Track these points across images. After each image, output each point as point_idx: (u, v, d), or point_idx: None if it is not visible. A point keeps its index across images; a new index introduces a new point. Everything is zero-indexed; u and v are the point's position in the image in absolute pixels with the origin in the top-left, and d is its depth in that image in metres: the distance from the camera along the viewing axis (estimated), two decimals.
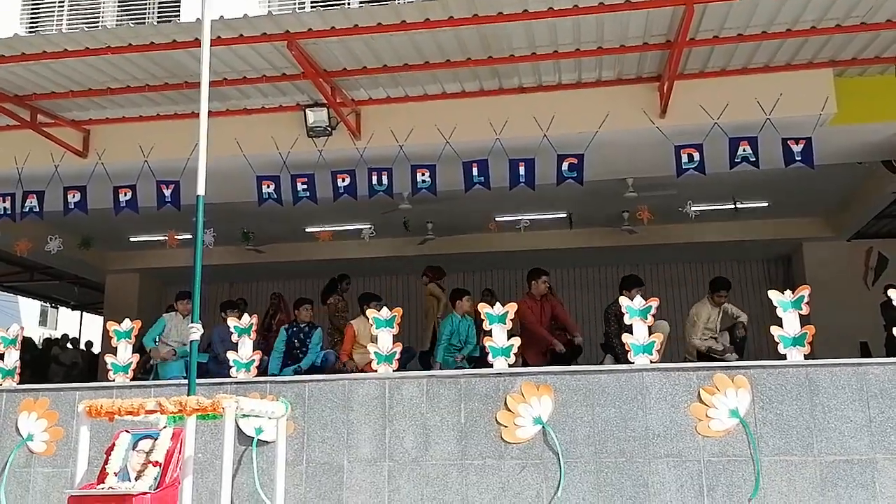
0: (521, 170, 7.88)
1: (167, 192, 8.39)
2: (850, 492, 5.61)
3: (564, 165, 7.82)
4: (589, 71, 7.66)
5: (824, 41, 7.08)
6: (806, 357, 6.01)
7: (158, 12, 10.22)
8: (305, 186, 8.28)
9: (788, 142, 7.53)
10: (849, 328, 11.37)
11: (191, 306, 8.38)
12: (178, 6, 10.01)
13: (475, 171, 7.96)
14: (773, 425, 5.81)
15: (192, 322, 4.98)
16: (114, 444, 4.96)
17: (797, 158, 7.51)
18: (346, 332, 8.82)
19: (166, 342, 9.01)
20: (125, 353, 7.00)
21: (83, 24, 10.15)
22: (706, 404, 5.91)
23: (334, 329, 10.13)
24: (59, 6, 10.64)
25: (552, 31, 6.79)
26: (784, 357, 6.05)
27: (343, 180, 8.21)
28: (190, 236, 10.94)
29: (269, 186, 8.34)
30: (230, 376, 6.71)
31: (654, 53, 7.28)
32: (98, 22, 10.30)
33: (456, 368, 7.87)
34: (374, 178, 8.17)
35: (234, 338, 6.90)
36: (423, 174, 8.09)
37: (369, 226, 11.10)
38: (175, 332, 8.98)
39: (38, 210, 8.76)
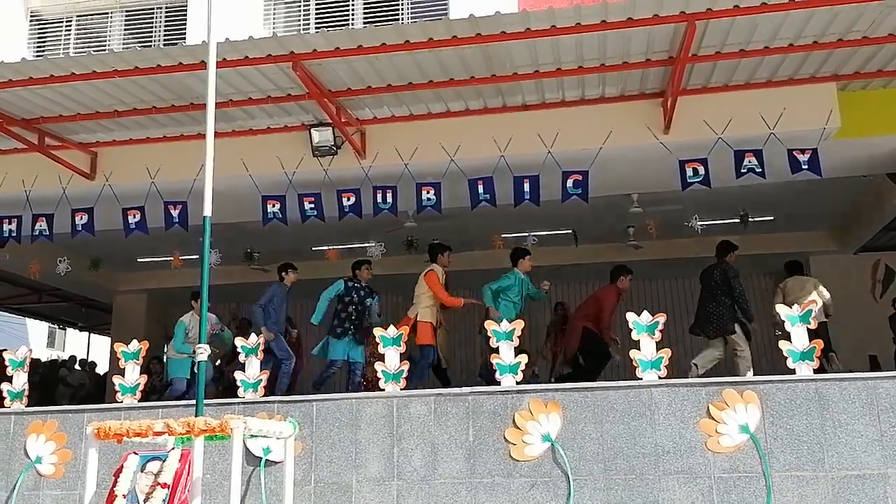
0: (526, 186, 7.89)
1: (175, 213, 8.43)
2: None
3: (569, 182, 7.83)
4: (592, 88, 7.69)
5: (827, 55, 7.10)
6: (815, 371, 5.99)
7: (165, 35, 10.31)
8: (313, 206, 8.32)
9: (794, 152, 7.53)
10: (857, 342, 11.31)
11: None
12: (185, 29, 10.10)
13: (481, 189, 7.98)
14: (783, 440, 5.78)
15: (199, 343, 4.98)
16: (122, 466, 4.95)
17: (804, 167, 7.50)
18: (429, 277, 8.73)
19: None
20: (133, 375, 7.01)
21: (90, 47, 10.26)
22: (716, 420, 5.89)
23: None
24: (66, 30, 10.76)
25: (555, 49, 6.82)
26: (793, 372, 6.03)
27: (348, 199, 8.24)
28: (196, 256, 10.98)
29: (273, 206, 8.38)
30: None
31: (656, 69, 7.31)
32: (105, 45, 10.41)
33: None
34: (379, 197, 8.20)
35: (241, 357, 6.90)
36: (428, 192, 8.12)
37: (379, 243, 11.10)
38: (193, 331, 8.94)
39: (47, 233, 8.81)
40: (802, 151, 7.51)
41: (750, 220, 10.86)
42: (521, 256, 8.87)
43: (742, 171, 7.57)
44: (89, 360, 18.88)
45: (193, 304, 9.26)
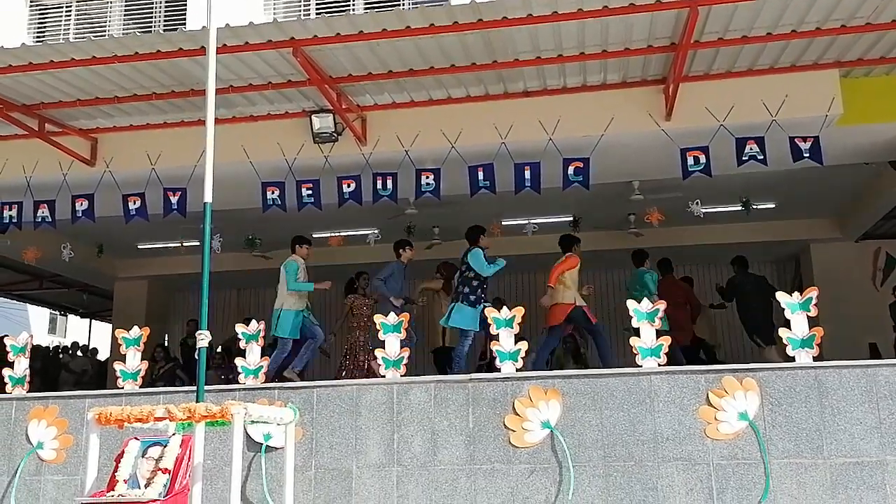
0: (527, 173, 7.88)
1: (174, 200, 8.42)
2: (860, 494, 5.59)
3: (570, 169, 7.81)
4: (594, 74, 7.66)
5: (829, 42, 7.07)
6: (815, 359, 5.99)
7: (164, 21, 10.26)
8: (310, 192, 8.30)
9: (796, 139, 7.51)
10: (857, 329, 11.31)
11: (309, 251, 8.66)
12: (185, 14, 10.05)
13: (481, 176, 7.97)
14: (782, 428, 5.80)
15: (199, 329, 4.99)
16: (123, 452, 4.98)
17: (805, 155, 7.48)
18: (570, 262, 8.67)
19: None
20: (134, 361, 7.03)
21: (90, 33, 10.22)
22: (715, 407, 5.90)
23: (351, 328, 10.11)
24: (66, 15, 10.71)
25: (556, 35, 6.79)
26: (793, 359, 6.03)
27: (348, 186, 8.23)
28: (197, 243, 10.98)
29: (273, 192, 8.37)
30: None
31: (658, 56, 7.28)
32: (105, 31, 10.36)
33: None
34: (379, 183, 8.19)
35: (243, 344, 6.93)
36: (427, 177, 8.10)
37: (375, 231, 11.10)
38: (304, 274, 8.90)
39: (50, 220, 8.82)
40: (804, 139, 7.49)
41: (753, 206, 10.85)
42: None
43: (744, 158, 7.55)
44: (90, 346, 18.93)
45: (298, 247, 9.08)
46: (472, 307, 8.17)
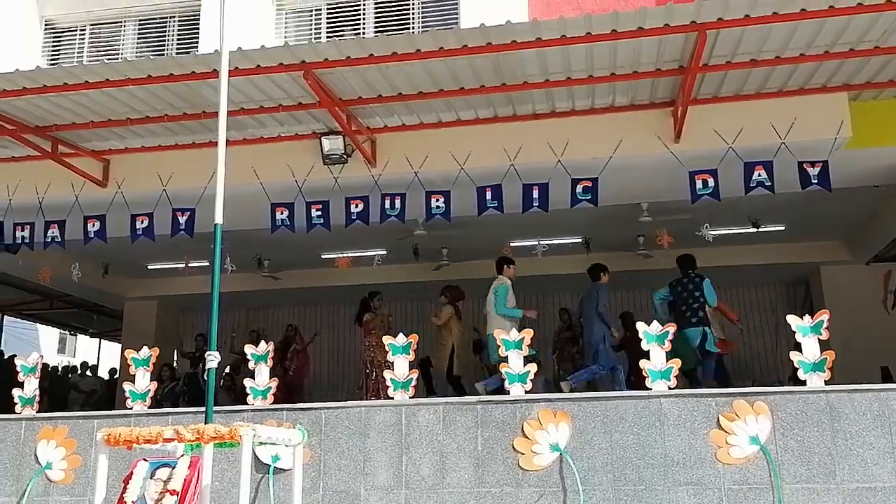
0: (535, 193, 7.90)
1: (182, 220, 8.46)
2: None
3: (579, 188, 7.83)
4: (602, 97, 7.69)
5: (838, 65, 7.08)
6: (826, 383, 5.95)
7: (177, 44, 10.39)
8: (319, 213, 8.33)
9: (804, 165, 7.51)
10: (869, 352, 11.23)
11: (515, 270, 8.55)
12: (197, 38, 10.17)
13: (489, 196, 7.99)
14: (794, 452, 5.74)
15: (209, 350, 4.99)
16: (131, 473, 4.96)
17: (814, 182, 7.48)
18: None
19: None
20: (143, 381, 7.03)
21: (103, 56, 10.35)
22: (726, 431, 5.86)
23: (368, 347, 10.12)
24: (80, 39, 10.85)
25: (565, 59, 6.83)
26: (804, 383, 5.99)
27: (356, 206, 8.26)
28: (207, 263, 11.02)
29: (282, 213, 8.40)
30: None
31: (667, 79, 7.31)
32: (118, 54, 10.49)
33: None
34: (388, 203, 8.21)
35: (251, 365, 6.93)
36: (437, 200, 8.13)
37: (382, 252, 11.12)
38: (512, 297, 8.88)
39: (59, 240, 8.87)
40: (813, 164, 7.48)
41: (762, 228, 10.83)
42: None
43: (751, 185, 7.54)
44: (109, 367, 18.96)
45: (506, 268, 9.04)
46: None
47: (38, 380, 7.33)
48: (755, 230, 10.86)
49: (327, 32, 10.02)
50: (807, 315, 6.18)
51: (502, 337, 6.55)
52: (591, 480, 5.91)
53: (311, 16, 10.20)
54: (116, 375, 17.19)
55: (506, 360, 6.44)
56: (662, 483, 5.83)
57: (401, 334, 6.80)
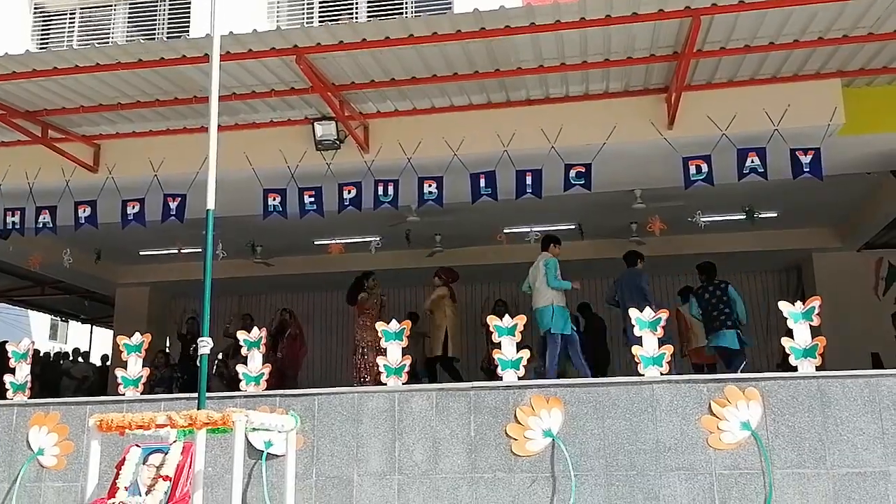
0: (528, 180, 7.89)
1: (172, 206, 8.41)
2: None
3: (572, 173, 7.83)
4: (596, 83, 7.67)
5: (832, 52, 7.08)
6: (817, 369, 5.98)
7: (168, 28, 10.30)
8: (312, 199, 8.30)
9: (797, 153, 7.51)
10: (859, 339, 11.30)
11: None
12: (188, 22, 10.09)
13: (482, 183, 7.98)
14: (785, 438, 5.78)
15: (201, 336, 4.98)
16: (124, 459, 4.96)
17: (806, 170, 7.49)
18: None
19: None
20: (135, 367, 7.02)
21: (94, 40, 10.25)
22: (717, 416, 5.89)
23: (362, 328, 10.12)
24: (70, 22, 10.75)
25: (559, 44, 6.80)
26: (795, 369, 6.02)
27: (349, 192, 8.23)
28: (199, 250, 10.99)
29: (274, 199, 8.37)
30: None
31: (661, 65, 7.29)
32: (108, 38, 10.40)
33: None
34: (381, 189, 8.19)
35: (244, 351, 6.92)
36: (430, 185, 8.11)
37: (377, 238, 11.11)
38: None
39: (51, 226, 8.82)
40: (805, 152, 7.48)
41: (755, 217, 10.86)
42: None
43: (745, 171, 7.55)
44: (91, 352, 18.92)
45: (553, 246, 9.31)
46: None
47: (29, 366, 7.30)
48: (753, 215, 10.88)
49: (320, 17, 9.95)
50: (798, 301, 6.20)
51: (495, 323, 6.55)
52: (583, 466, 5.94)
53: (304, 0, 10.12)
54: (108, 362, 17.19)
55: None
56: (654, 468, 5.86)
57: (394, 320, 6.81)
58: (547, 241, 9.37)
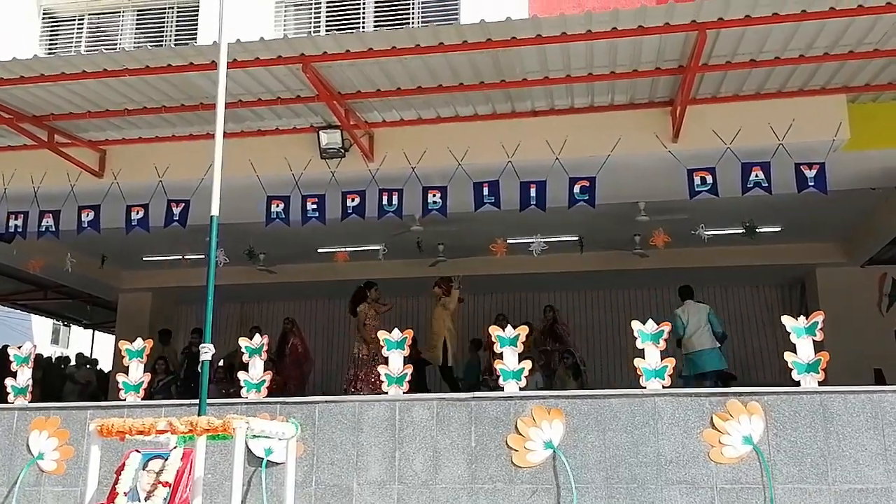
0: (532, 192, 7.88)
1: (176, 211, 8.43)
2: None
3: (576, 188, 7.82)
4: (601, 95, 7.68)
5: (837, 67, 7.09)
6: (820, 384, 5.96)
7: (176, 35, 10.35)
8: (315, 207, 8.31)
9: (801, 167, 7.51)
10: (862, 355, 11.26)
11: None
12: (196, 29, 10.13)
13: (486, 191, 7.98)
14: (787, 453, 5.75)
15: (203, 343, 4.98)
16: (124, 464, 4.95)
17: (810, 184, 7.49)
18: None
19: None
20: (137, 373, 7.01)
21: (101, 46, 10.30)
22: (719, 430, 5.86)
23: (362, 340, 10.07)
24: (78, 28, 10.80)
25: (565, 56, 6.82)
26: (798, 384, 6.00)
27: (353, 200, 8.24)
28: (202, 256, 11.00)
29: (278, 206, 8.38)
30: None
31: (666, 78, 7.30)
32: (116, 44, 10.44)
33: None
34: (385, 199, 8.19)
35: (245, 358, 6.91)
36: (434, 195, 8.11)
37: (382, 246, 11.11)
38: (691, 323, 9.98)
39: (54, 230, 8.83)
40: (809, 167, 7.48)
41: (757, 230, 10.84)
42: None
43: (749, 185, 7.54)
44: (92, 356, 18.92)
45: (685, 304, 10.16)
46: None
47: (31, 370, 7.30)
48: (756, 229, 10.88)
49: (326, 25, 9.98)
50: (801, 316, 6.19)
51: (497, 333, 6.52)
52: (583, 478, 5.91)
53: (311, 8, 10.16)
54: (98, 366, 17.19)
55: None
56: (655, 482, 5.83)
57: (395, 329, 6.79)
58: (689, 292, 10.29)
